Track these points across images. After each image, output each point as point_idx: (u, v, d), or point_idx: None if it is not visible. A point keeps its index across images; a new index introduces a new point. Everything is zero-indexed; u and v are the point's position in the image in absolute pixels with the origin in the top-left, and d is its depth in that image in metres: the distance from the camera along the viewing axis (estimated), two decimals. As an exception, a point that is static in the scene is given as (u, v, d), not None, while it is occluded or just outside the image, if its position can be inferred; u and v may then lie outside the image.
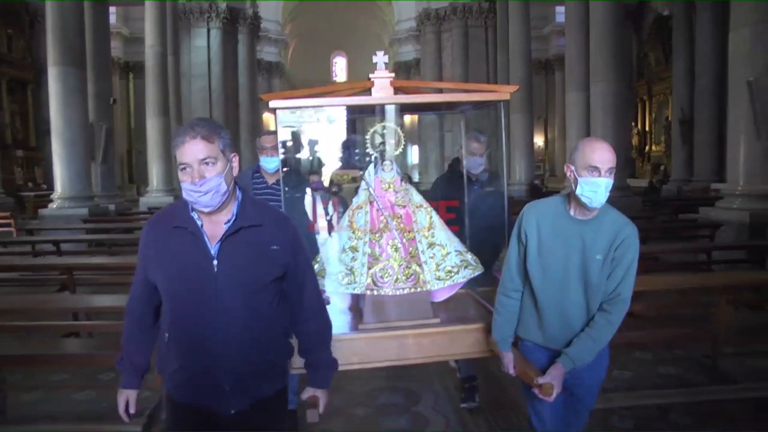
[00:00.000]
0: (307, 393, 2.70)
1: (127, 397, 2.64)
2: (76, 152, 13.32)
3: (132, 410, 2.65)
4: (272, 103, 3.56)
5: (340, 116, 4.20)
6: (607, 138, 15.07)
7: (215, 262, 2.40)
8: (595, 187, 2.83)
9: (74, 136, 13.18)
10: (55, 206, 13.38)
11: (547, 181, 26.87)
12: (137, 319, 2.64)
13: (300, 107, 3.73)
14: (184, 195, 2.38)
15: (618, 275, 2.94)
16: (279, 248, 2.50)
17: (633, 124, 24.06)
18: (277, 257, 2.50)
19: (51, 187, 20.53)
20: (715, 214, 9.78)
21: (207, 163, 2.32)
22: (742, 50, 9.12)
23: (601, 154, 2.83)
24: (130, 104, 28.89)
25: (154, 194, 19.63)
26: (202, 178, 2.31)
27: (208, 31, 25.35)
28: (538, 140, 29.48)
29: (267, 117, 27.65)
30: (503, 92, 3.76)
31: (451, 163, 5.41)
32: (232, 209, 2.46)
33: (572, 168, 2.91)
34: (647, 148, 24.42)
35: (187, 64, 24.26)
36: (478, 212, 4.44)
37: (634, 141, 24.86)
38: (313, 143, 4.65)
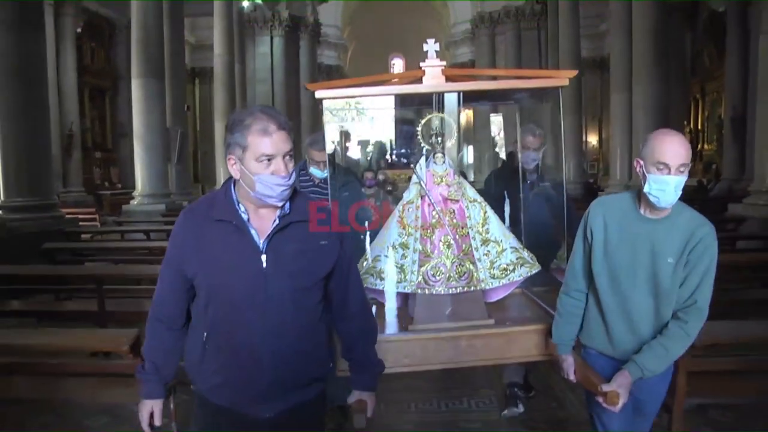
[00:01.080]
0: (354, 397, 2.50)
1: (151, 408, 2.38)
2: (155, 154, 14.39)
3: (158, 422, 2.40)
4: (318, 94, 3.30)
5: (390, 109, 3.89)
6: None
7: (264, 257, 2.19)
8: (663, 185, 2.50)
9: (153, 140, 14.22)
10: (136, 202, 14.55)
11: (600, 180, 26.30)
12: (166, 321, 2.37)
13: (346, 97, 3.45)
14: (261, 189, 2.14)
15: (693, 281, 2.60)
16: (327, 243, 2.31)
17: (685, 123, 23.35)
18: (326, 253, 2.31)
19: (126, 186, 22.19)
20: (743, 210, 9.86)
21: (290, 157, 2.18)
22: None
23: (671, 150, 2.49)
24: (196, 108, 29.15)
25: None
26: (288, 172, 2.15)
27: (272, 38, 25.72)
28: (592, 139, 28.90)
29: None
30: (561, 78, 3.41)
31: (506, 158, 5.14)
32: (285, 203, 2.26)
33: (641, 163, 2.58)
34: (699, 146, 23.62)
35: (251, 69, 24.65)
36: (535, 208, 4.15)
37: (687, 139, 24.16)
38: (364, 141, 4.51)
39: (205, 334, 2.26)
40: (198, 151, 29.31)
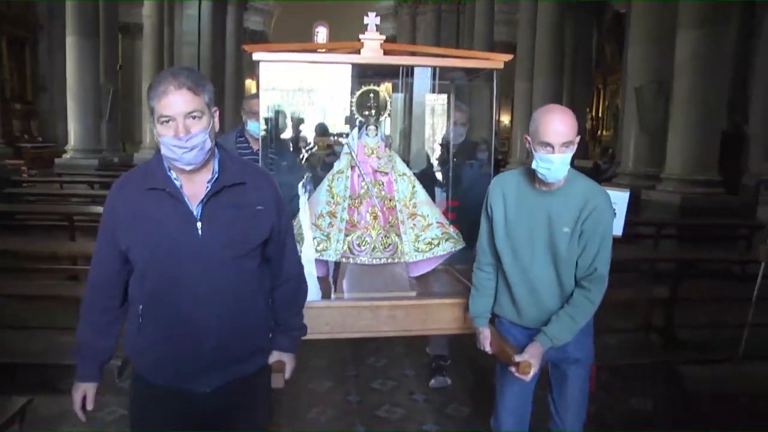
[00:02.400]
0: (273, 357, 2.35)
1: (84, 392, 2.18)
2: (88, 111, 14.65)
3: (90, 407, 2.20)
4: (255, 56, 3.09)
5: (326, 77, 3.72)
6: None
7: (199, 224, 2.03)
8: (548, 163, 2.46)
9: (87, 96, 14.43)
10: (68, 156, 14.71)
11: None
12: (103, 299, 2.17)
13: (283, 61, 3.26)
14: (164, 151, 2.00)
15: (592, 249, 2.57)
16: (264, 208, 2.15)
17: (588, 110, 24.03)
18: (263, 217, 2.15)
19: (47, 140, 20.96)
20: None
21: (193, 117, 1.96)
22: (633, 62, 11.08)
23: (553, 129, 2.45)
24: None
25: (147, 150, 19.68)
26: (188, 133, 1.95)
27: (200, 1, 24.84)
28: (505, 119, 29.29)
29: (249, 83, 27.32)
30: (497, 60, 3.32)
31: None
32: (212, 167, 2.09)
33: (529, 140, 2.54)
34: (599, 132, 24.47)
35: (178, 31, 23.80)
36: (464, 185, 4.06)
37: (588, 126, 24.89)
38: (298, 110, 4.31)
39: (141, 306, 2.09)
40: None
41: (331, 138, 4.20)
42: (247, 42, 29.17)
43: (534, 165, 2.53)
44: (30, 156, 18.45)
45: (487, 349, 2.86)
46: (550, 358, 2.76)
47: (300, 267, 2.47)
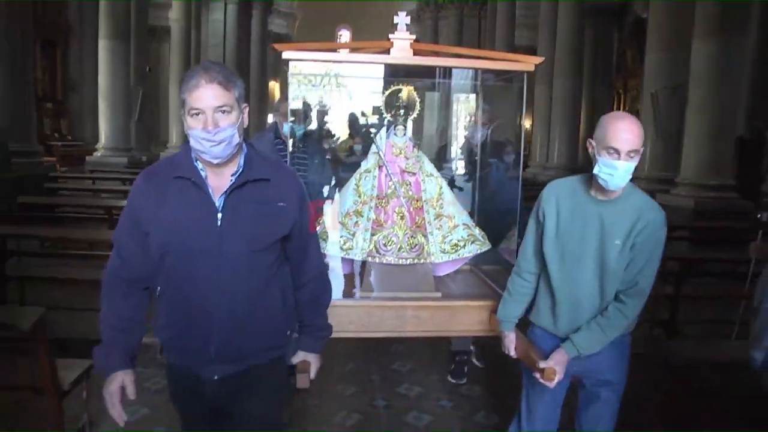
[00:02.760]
0: (298, 357, 2.36)
1: (122, 381, 2.06)
2: (118, 111, 14.95)
3: (132, 395, 2.10)
4: (285, 54, 3.06)
5: (356, 76, 3.72)
6: (561, 128, 16.04)
7: (219, 215, 2.04)
8: (612, 170, 2.37)
9: (117, 98, 14.75)
10: (99, 154, 15.03)
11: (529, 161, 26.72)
12: (123, 288, 2.14)
13: (315, 60, 3.26)
14: (193, 143, 2.00)
15: (638, 263, 2.48)
16: (286, 205, 2.14)
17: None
18: (284, 215, 2.14)
19: (75, 139, 21.80)
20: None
21: (222, 111, 1.97)
22: (650, 68, 11.23)
23: (623, 136, 2.36)
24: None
25: (173, 150, 19.90)
26: (216, 126, 1.95)
27: (225, 5, 25.03)
28: (527, 122, 29.22)
29: (273, 85, 27.43)
30: (528, 63, 3.28)
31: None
32: (238, 161, 2.09)
33: (593, 144, 2.46)
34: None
35: (204, 35, 23.98)
36: (491, 187, 4.04)
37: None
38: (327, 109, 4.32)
39: (159, 288, 2.12)
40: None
41: (362, 131, 4.20)
42: (271, 44, 29.34)
43: (596, 170, 2.44)
44: (60, 154, 18.79)
45: (512, 353, 2.81)
46: (582, 374, 2.69)
47: (324, 267, 2.46)
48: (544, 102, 17.05)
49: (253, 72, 26.07)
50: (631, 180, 2.62)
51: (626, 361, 2.74)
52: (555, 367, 2.49)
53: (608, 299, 2.56)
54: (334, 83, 3.62)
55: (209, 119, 1.95)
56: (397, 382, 4.59)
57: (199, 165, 2.07)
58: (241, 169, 2.08)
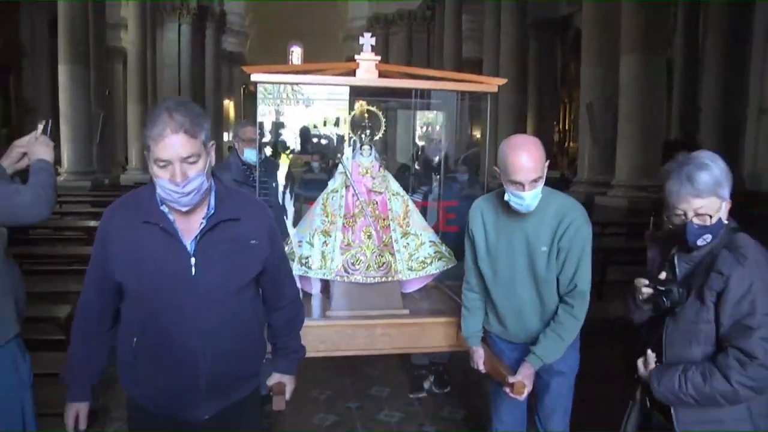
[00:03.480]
0: (274, 379, 2.33)
1: (77, 411, 2.10)
2: (81, 135, 14.84)
3: (83, 426, 2.12)
4: (254, 77, 3.02)
5: (321, 97, 3.64)
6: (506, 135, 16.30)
7: (193, 260, 1.94)
8: (519, 199, 2.42)
9: (79, 122, 14.75)
10: (62, 179, 14.30)
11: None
12: (91, 323, 2.09)
13: (281, 82, 3.22)
14: (161, 192, 1.87)
15: (571, 265, 2.51)
16: (258, 242, 2.06)
17: (555, 123, 24.21)
18: (257, 252, 2.07)
19: None
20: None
21: (190, 162, 1.84)
22: (585, 81, 11.98)
23: (522, 169, 2.40)
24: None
25: (132, 172, 19.86)
26: (185, 178, 1.83)
27: (179, 26, 24.82)
28: (476, 133, 29.54)
29: (227, 103, 27.26)
30: (491, 84, 3.33)
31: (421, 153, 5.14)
32: (207, 202, 1.97)
33: (498, 172, 2.50)
34: (566, 144, 24.65)
35: (160, 54, 23.70)
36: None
37: (555, 138, 25.09)
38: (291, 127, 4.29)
39: (135, 339, 2.00)
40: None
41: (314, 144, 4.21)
42: (225, 62, 29.14)
43: (506, 198, 2.49)
44: (22, 179, 18.22)
45: (481, 368, 2.83)
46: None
47: (296, 290, 2.42)
48: (491, 116, 17.26)
49: (208, 91, 25.87)
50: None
51: (577, 351, 2.77)
52: (524, 381, 2.52)
53: (549, 304, 2.61)
54: (300, 104, 3.58)
55: (177, 171, 1.83)
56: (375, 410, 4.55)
57: (165, 208, 1.96)
58: (212, 211, 1.99)
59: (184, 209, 1.91)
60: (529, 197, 2.43)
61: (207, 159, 1.91)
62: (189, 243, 1.95)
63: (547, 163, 2.49)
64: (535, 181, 2.42)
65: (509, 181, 2.45)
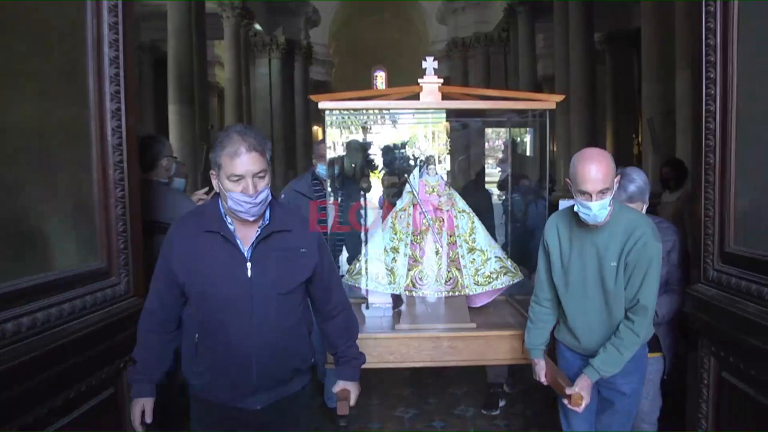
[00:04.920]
0: (338, 386, 2.43)
1: (143, 406, 2.25)
2: (188, 165, 15.09)
3: (149, 419, 2.26)
4: (321, 104, 3.13)
5: (388, 121, 3.70)
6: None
7: (249, 264, 2.13)
8: (587, 209, 2.39)
9: (186, 153, 14.97)
10: None
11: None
12: (158, 327, 2.27)
13: (348, 108, 3.30)
14: (232, 204, 2.06)
15: (636, 281, 2.45)
16: (307, 251, 2.24)
17: (634, 136, 23.36)
18: (306, 260, 2.25)
19: None
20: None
21: (260, 177, 2.06)
22: (645, 96, 11.68)
23: (590, 179, 2.36)
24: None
25: None
26: (257, 191, 2.05)
27: (269, 60, 25.51)
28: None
29: (315, 129, 27.88)
30: (550, 101, 3.30)
31: (478, 172, 5.07)
32: (265, 214, 2.18)
33: (570, 183, 2.48)
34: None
35: (252, 89, 24.50)
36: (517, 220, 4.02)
37: (635, 151, 24.14)
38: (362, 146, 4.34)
39: (197, 335, 2.20)
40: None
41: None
42: (312, 91, 29.86)
43: (576, 208, 2.48)
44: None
45: (542, 380, 2.79)
46: (599, 383, 2.64)
47: (347, 301, 2.49)
48: (564, 131, 16.76)
49: (298, 118, 26.45)
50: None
51: (641, 373, 2.71)
52: (581, 393, 2.49)
53: (616, 317, 2.54)
54: (367, 128, 3.70)
55: (250, 185, 2.03)
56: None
57: (228, 219, 2.14)
58: (267, 222, 2.16)
59: (251, 219, 2.11)
60: (596, 207, 2.40)
61: (270, 175, 2.12)
62: (246, 250, 2.15)
63: (618, 177, 2.47)
64: (603, 192, 2.39)
65: (578, 191, 2.43)
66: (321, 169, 4.22)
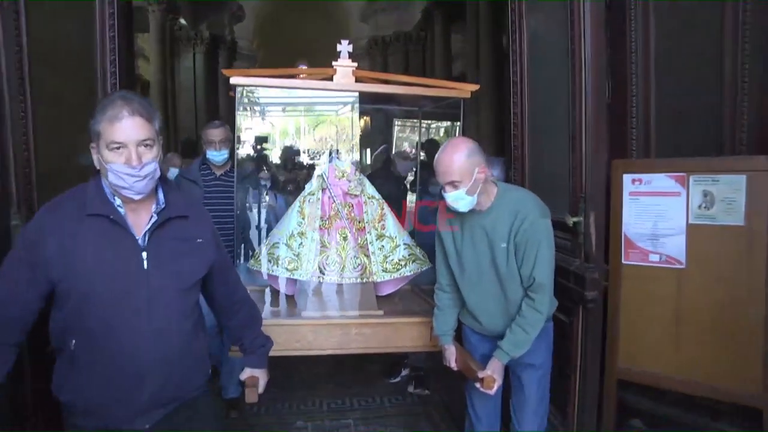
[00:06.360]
0: (246, 374, 2.20)
1: None
2: None
3: None
4: (233, 80, 2.95)
5: (299, 102, 3.55)
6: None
7: (144, 254, 1.75)
8: (449, 200, 2.33)
9: None
10: None
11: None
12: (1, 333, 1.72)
13: (258, 85, 3.12)
14: (113, 178, 1.71)
15: (529, 260, 2.38)
16: (203, 241, 1.92)
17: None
18: (204, 251, 1.92)
19: None
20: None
21: (146, 145, 1.72)
22: None
23: (438, 170, 2.35)
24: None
25: None
26: (141, 162, 1.70)
27: (194, 55, 24.83)
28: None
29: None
30: (464, 90, 3.23)
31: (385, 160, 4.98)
32: (157, 197, 1.80)
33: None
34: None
35: (177, 82, 23.78)
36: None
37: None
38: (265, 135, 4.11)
39: (74, 341, 1.74)
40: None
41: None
42: (222, 69, 29.23)
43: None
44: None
45: (453, 365, 2.72)
46: (508, 365, 2.57)
47: (246, 292, 2.24)
48: (474, 131, 17.00)
49: (222, 112, 25.76)
50: None
51: (548, 345, 2.67)
52: (493, 375, 2.42)
53: (514, 299, 2.49)
54: (278, 108, 3.59)
55: (133, 154, 1.69)
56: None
57: (116, 201, 1.77)
58: (163, 206, 1.82)
59: (137, 197, 1.75)
60: (450, 198, 2.39)
61: (159, 147, 1.78)
62: (139, 237, 1.78)
63: (480, 169, 2.37)
64: (452, 183, 2.35)
65: (440, 184, 2.43)
66: (212, 156, 3.83)
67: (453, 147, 2.40)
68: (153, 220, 1.81)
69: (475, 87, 3.29)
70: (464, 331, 2.78)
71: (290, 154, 4.20)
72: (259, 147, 4.19)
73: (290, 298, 3.19)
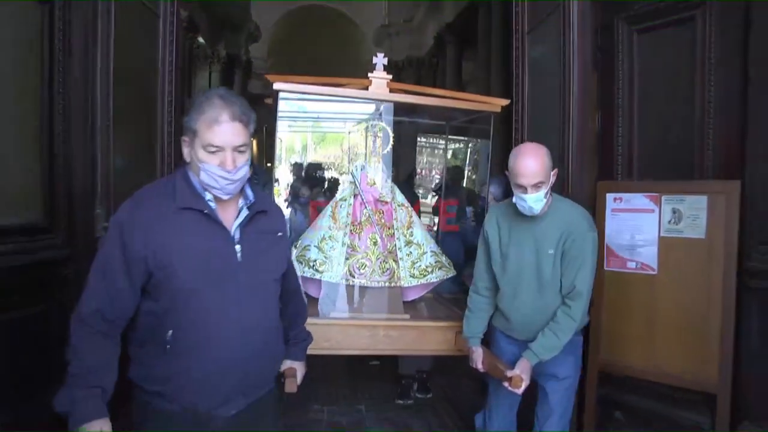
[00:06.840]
0: (285, 365, 2.16)
1: (100, 430, 1.66)
2: None
3: None
4: (276, 85, 2.98)
5: (335, 111, 3.62)
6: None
7: (238, 247, 1.76)
8: (522, 201, 2.40)
9: None
10: None
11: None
12: (107, 329, 1.72)
13: (302, 92, 3.17)
14: (205, 178, 1.71)
15: (573, 268, 2.44)
16: (283, 235, 1.96)
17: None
18: (284, 243, 1.98)
19: None
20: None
21: (240, 151, 1.71)
22: None
23: (525, 172, 2.39)
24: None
25: None
26: (235, 167, 1.70)
27: (210, 73, 25.16)
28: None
29: (252, 140, 27.61)
30: (494, 104, 3.28)
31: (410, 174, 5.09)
32: (244, 192, 1.85)
33: (508, 176, 2.48)
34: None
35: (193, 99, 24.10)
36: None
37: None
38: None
39: (170, 333, 1.72)
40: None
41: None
42: (251, 105, 29.44)
43: (513, 199, 2.52)
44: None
45: (479, 366, 2.75)
46: (534, 374, 2.60)
47: (299, 284, 2.29)
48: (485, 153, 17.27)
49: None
50: None
51: (576, 358, 2.71)
52: (521, 375, 2.46)
53: (549, 304, 2.55)
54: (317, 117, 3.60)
55: (228, 158, 1.69)
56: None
57: (207, 195, 1.77)
58: (252, 200, 1.85)
59: (226, 197, 1.76)
60: (531, 199, 2.45)
61: (251, 150, 1.79)
62: (232, 231, 1.80)
63: (554, 171, 2.51)
64: (537, 185, 2.43)
65: (515, 184, 2.47)
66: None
67: (535, 149, 2.49)
68: (245, 214, 1.82)
69: (505, 102, 3.34)
70: (495, 335, 2.81)
71: (319, 169, 4.47)
72: (314, 174, 4.38)
73: (314, 301, 3.21)
